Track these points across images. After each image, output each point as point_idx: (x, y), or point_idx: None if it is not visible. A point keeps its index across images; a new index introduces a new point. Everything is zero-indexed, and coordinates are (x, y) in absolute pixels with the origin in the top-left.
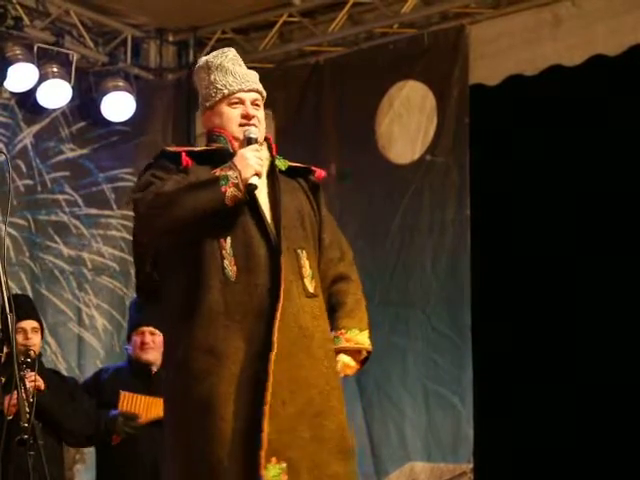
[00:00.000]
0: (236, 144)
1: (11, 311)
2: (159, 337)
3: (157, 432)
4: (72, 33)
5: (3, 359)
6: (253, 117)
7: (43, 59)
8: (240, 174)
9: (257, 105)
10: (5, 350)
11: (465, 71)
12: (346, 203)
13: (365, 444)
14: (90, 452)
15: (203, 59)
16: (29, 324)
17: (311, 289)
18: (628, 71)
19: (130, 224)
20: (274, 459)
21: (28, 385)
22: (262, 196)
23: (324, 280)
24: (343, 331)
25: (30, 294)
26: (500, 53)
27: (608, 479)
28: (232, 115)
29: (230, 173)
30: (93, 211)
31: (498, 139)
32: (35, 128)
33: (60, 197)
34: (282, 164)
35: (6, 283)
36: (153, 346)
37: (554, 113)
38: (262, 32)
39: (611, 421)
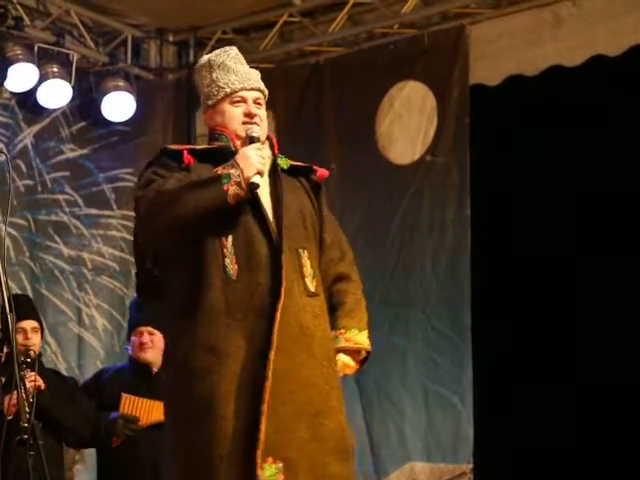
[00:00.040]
0: (238, 143)
1: (11, 311)
2: (158, 337)
3: (157, 435)
4: (72, 33)
5: (3, 359)
6: (255, 116)
7: (43, 59)
8: (242, 172)
9: (259, 104)
10: (5, 350)
11: (465, 71)
12: (346, 203)
13: (365, 444)
14: (90, 452)
15: (205, 57)
16: (29, 324)
17: (312, 288)
18: (628, 71)
19: (130, 224)
20: (270, 459)
21: (28, 385)
22: (264, 195)
23: (325, 280)
24: (342, 331)
25: (30, 294)
26: (500, 53)
27: (608, 479)
28: (234, 114)
29: (232, 171)
30: (93, 211)
31: (498, 139)
32: (35, 128)
33: (60, 197)
34: (284, 163)
35: (6, 283)
36: (152, 346)
37: (554, 113)
38: (262, 32)
39: (611, 421)
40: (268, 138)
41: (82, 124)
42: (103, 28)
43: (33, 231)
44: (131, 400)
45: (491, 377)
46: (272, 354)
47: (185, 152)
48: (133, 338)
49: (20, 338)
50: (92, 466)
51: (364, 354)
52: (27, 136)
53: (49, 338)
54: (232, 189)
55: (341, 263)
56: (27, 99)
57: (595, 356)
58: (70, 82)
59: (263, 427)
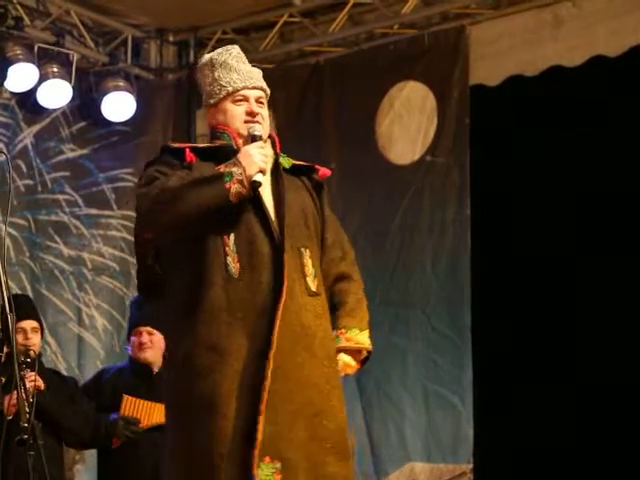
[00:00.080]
0: (240, 141)
1: (11, 311)
2: (157, 337)
3: (158, 437)
4: (72, 33)
5: (3, 359)
6: (257, 114)
7: (43, 59)
8: (244, 171)
9: (261, 103)
10: (5, 350)
11: (465, 72)
12: (346, 203)
13: (365, 444)
14: (90, 453)
15: (207, 56)
16: (29, 324)
17: (313, 288)
18: (628, 72)
19: (130, 224)
20: (267, 458)
21: (28, 385)
22: (266, 194)
23: (326, 279)
24: (343, 330)
25: (30, 294)
26: (500, 54)
27: (608, 479)
28: (236, 112)
29: (234, 169)
30: (93, 211)
31: (498, 139)
32: (35, 128)
33: (60, 197)
34: (286, 162)
35: (6, 283)
36: (151, 345)
37: (554, 114)
38: (262, 32)
39: (611, 421)
40: (270, 137)
41: (82, 124)
42: (103, 28)
43: (33, 231)
44: (132, 402)
45: (491, 377)
46: (272, 353)
47: (187, 150)
48: (133, 338)
49: (20, 338)
50: (92, 466)
51: (365, 354)
52: (27, 136)
53: (49, 338)
54: (234, 187)
55: (342, 263)
56: (27, 99)
57: (595, 356)
58: (70, 82)
59: (261, 427)
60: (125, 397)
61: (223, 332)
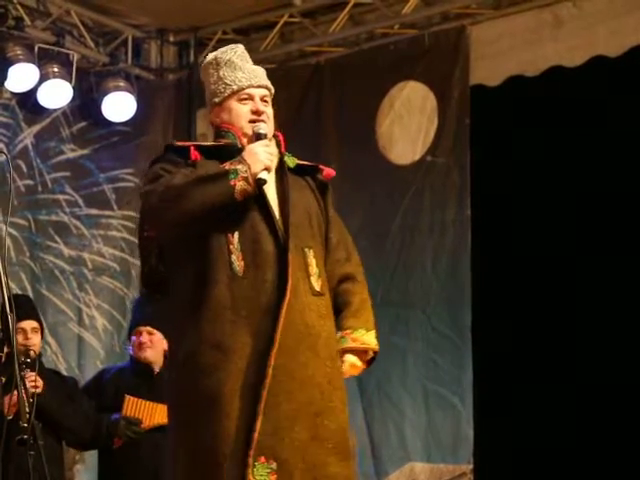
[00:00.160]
0: (245, 140)
1: (11, 311)
2: (157, 336)
3: (160, 438)
4: (73, 33)
5: (3, 359)
6: (263, 113)
7: (44, 59)
8: (250, 168)
9: (266, 101)
10: (5, 350)
11: (466, 72)
12: (347, 203)
13: (365, 444)
14: (90, 453)
15: (211, 55)
16: (29, 324)
17: (317, 287)
18: (629, 72)
19: (131, 224)
20: (262, 458)
21: (28, 385)
22: (270, 192)
23: (330, 280)
24: (349, 331)
25: (30, 294)
26: (501, 54)
27: (608, 479)
28: (241, 111)
29: (239, 167)
30: (94, 211)
31: (499, 140)
32: (36, 128)
33: (61, 197)
34: (291, 161)
35: (6, 283)
36: (151, 345)
37: (555, 114)
38: (263, 32)
39: (611, 421)
40: (275, 136)
41: (82, 124)
42: (103, 28)
43: (33, 231)
44: (134, 402)
45: (491, 377)
46: (274, 352)
47: (192, 148)
48: (133, 338)
49: (20, 338)
50: (92, 466)
51: (371, 354)
52: (27, 136)
53: (49, 338)
54: (239, 185)
55: (347, 264)
56: (27, 99)
57: (595, 356)
58: (70, 82)
59: (258, 426)
60: (127, 397)
61: (227, 330)
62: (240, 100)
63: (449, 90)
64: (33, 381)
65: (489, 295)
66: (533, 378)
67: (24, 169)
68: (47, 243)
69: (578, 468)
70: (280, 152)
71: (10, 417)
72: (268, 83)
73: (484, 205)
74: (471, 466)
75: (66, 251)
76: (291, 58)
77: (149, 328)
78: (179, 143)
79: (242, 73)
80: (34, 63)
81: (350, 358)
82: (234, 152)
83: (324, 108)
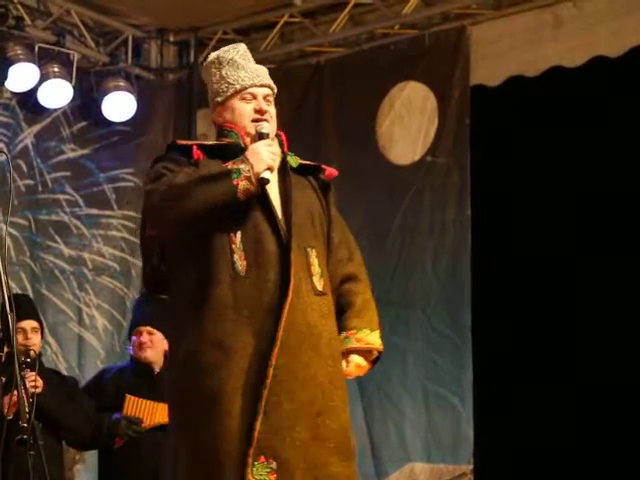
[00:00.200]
0: (247, 139)
1: (11, 311)
2: (157, 336)
3: (161, 437)
4: (73, 33)
5: (3, 359)
6: (266, 112)
7: (44, 59)
8: (252, 168)
9: (269, 101)
10: (5, 350)
11: (466, 72)
12: (347, 203)
13: (365, 445)
14: (90, 452)
15: (214, 54)
16: (29, 324)
17: (319, 287)
18: (629, 72)
19: (131, 224)
20: (262, 458)
21: (28, 385)
22: (273, 192)
23: (333, 280)
24: (354, 331)
25: (30, 294)
26: (501, 54)
27: (608, 479)
28: (244, 110)
29: (242, 166)
30: (94, 211)
31: (499, 140)
32: (36, 128)
33: (61, 197)
34: (293, 161)
35: (7, 283)
36: (151, 345)
37: (555, 114)
38: (263, 32)
39: (611, 421)
40: (277, 135)
41: (83, 124)
42: (104, 28)
43: (34, 231)
44: (135, 401)
45: (491, 377)
46: (275, 351)
47: (195, 147)
48: (133, 338)
49: (20, 338)
50: (92, 466)
51: (376, 354)
52: (28, 136)
53: (49, 338)
54: (242, 184)
55: (349, 263)
56: (28, 99)
57: (595, 356)
58: (71, 82)
59: (258, 425)
60: (128, 397)
61: (229, 330)
62: (243, 99)
63: (449, 90)
64: (33, 381)
65: (489, 295)
66: (533, 378)
67: (24, 169)
68: (47, 243)
69: (578, 468)
70: (283, 152)
71: (10, 417)
72: (271, 82)
73: (484, 205)
74: (471, 466)
75: (66, 251)
76: (291, 58)
77: (149, 328)
78: (182, 142)
79: (245, 72)
80: (34, 63)
81: (356, 359)
82: (237, 151)
83: (324, 108)
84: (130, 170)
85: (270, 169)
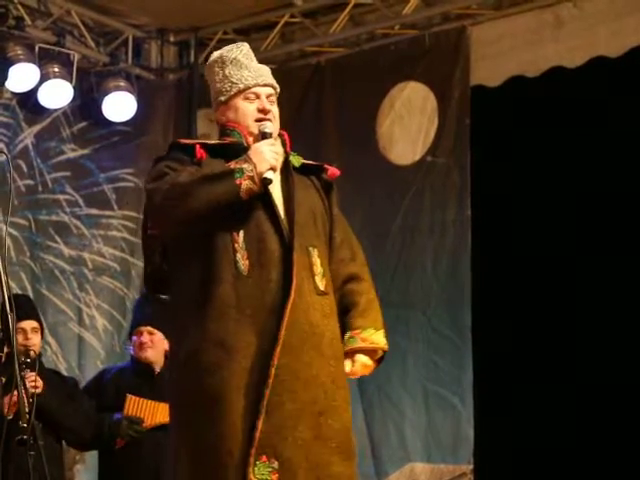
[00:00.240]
0: (250, 139)
1: (11, 311)
2: (158, 336)
3: (162, 437)
4: (73, 33)
5: (3, 359)
6: (269, 112)
7: (44, 59)
8: (255, 167)
9: (272, 100)
10: (5, 350)
11: (466, 72)
12: (347, 204)
13: (365, 445)
14: (90, 452)
15: (217, 53)
16: (29, 324)
17: (322, 287)
18: (629, 72)
19: (131, 224)
20: (264, 457)
21: (28, 385)
22: (275, 191)
23: (335, 280)
24: (358, 331)
25: (30, 294)
26: (501, 54)
27: (608, 479)
28: (248, 110)
29: (245, 166)
30: (94, 211)
31: (499, 140)
32: (36, 128)
33: (61, 197)
34: (296, 161)
35: (7, 283)
36: (151, 345)
37: (555, 114)
38: (263, 33)
39: (611, 421)
40: (280, 135)
41: (83, 124)
42: (104, 28)
43: (34, 231)
44: (136, 401)
45: (491, 377)
46: (277, 350)
47: (197, 146)
48: (134, 338)
49: (20, 338)
50: (92, 466)
51: (380, 353)
52: (28, 136)
53: (49, 338)
54: (245, 183)
55: (352, 263)
56: (28, 99)
57: (595, 356)
58: (71, 82)
59: (260, 425)
60: (129, 397)
61: (231, 329)
62: (246, 99)
63: (449, 90)
64: (33, 381)
65: (489, 295)
66: (533, 378)
67: (24, 169)
68: (47, 243)
69: (578, 468)
70: (285, 151)
71: (10, 417)
72: (274, 82)
73: (484, 205)
74: (471, 466)
75: (66, 251)
76: (291, 58)
77: (150, 328)
78: (184, 141)
79: (248, 72)
80: (35, 63)
81: (361, 358)
82: (240, 151)
83: (324, 108)
84: (130, 170)
85: (273, 169)
